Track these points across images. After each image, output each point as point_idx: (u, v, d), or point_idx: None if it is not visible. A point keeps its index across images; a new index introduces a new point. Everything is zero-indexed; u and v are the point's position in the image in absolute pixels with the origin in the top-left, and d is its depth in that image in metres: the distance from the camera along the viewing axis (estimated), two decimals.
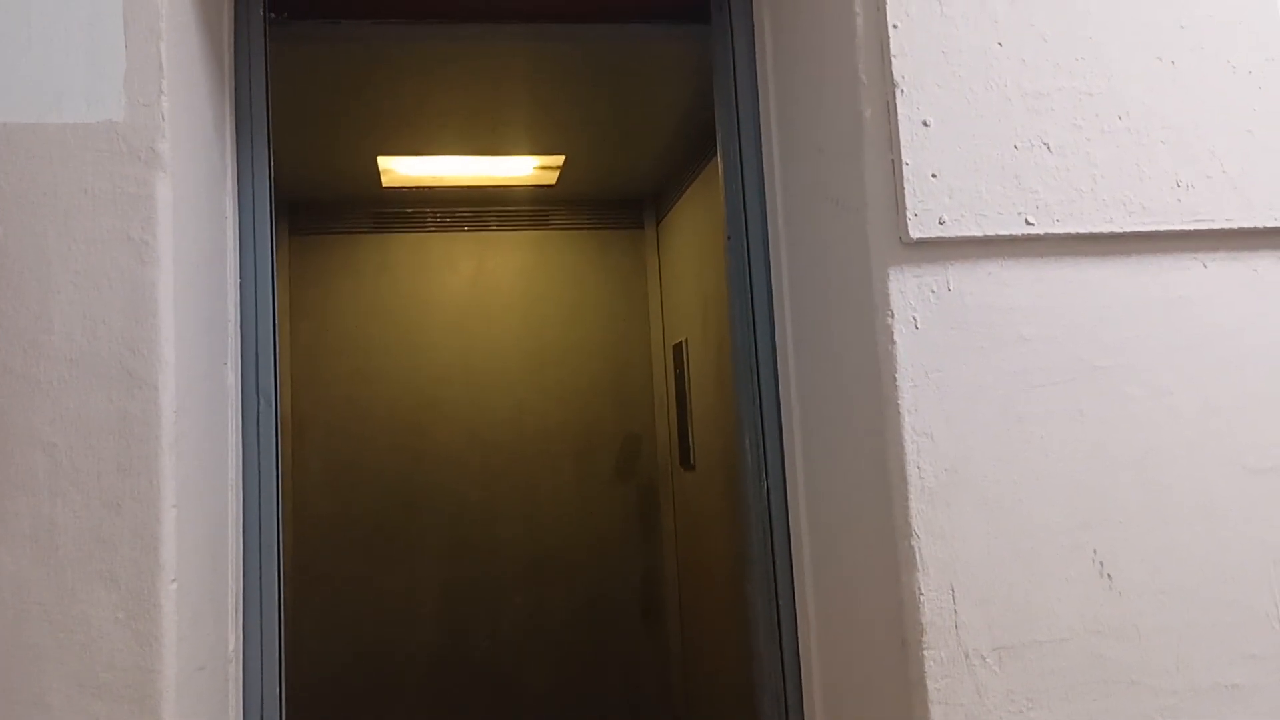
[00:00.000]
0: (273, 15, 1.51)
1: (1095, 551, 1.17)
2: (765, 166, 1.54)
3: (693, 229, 3.35)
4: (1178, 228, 1.21)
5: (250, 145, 1.45)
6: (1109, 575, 1.17)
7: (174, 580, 1.11)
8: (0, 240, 1.12)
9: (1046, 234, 1.19)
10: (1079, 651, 1.15)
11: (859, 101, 1.20)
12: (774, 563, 1.49)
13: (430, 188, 3.57)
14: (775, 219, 1.51)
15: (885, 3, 1.20)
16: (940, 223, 1.17)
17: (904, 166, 1.18)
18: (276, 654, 1.39)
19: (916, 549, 1.14)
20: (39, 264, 1.12)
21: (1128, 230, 1.20)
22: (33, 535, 1.10)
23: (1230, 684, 1.18)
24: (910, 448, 1.15)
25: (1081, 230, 1.19)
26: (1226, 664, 1.18)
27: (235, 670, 1.35)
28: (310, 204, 3.68)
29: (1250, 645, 1.18)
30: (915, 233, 1.16)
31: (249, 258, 1.43)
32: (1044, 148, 1.20)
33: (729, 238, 1.57)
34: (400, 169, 3.30)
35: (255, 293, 1.43)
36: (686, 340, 3.48)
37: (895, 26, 1.20)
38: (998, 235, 1.18)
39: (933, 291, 1.18)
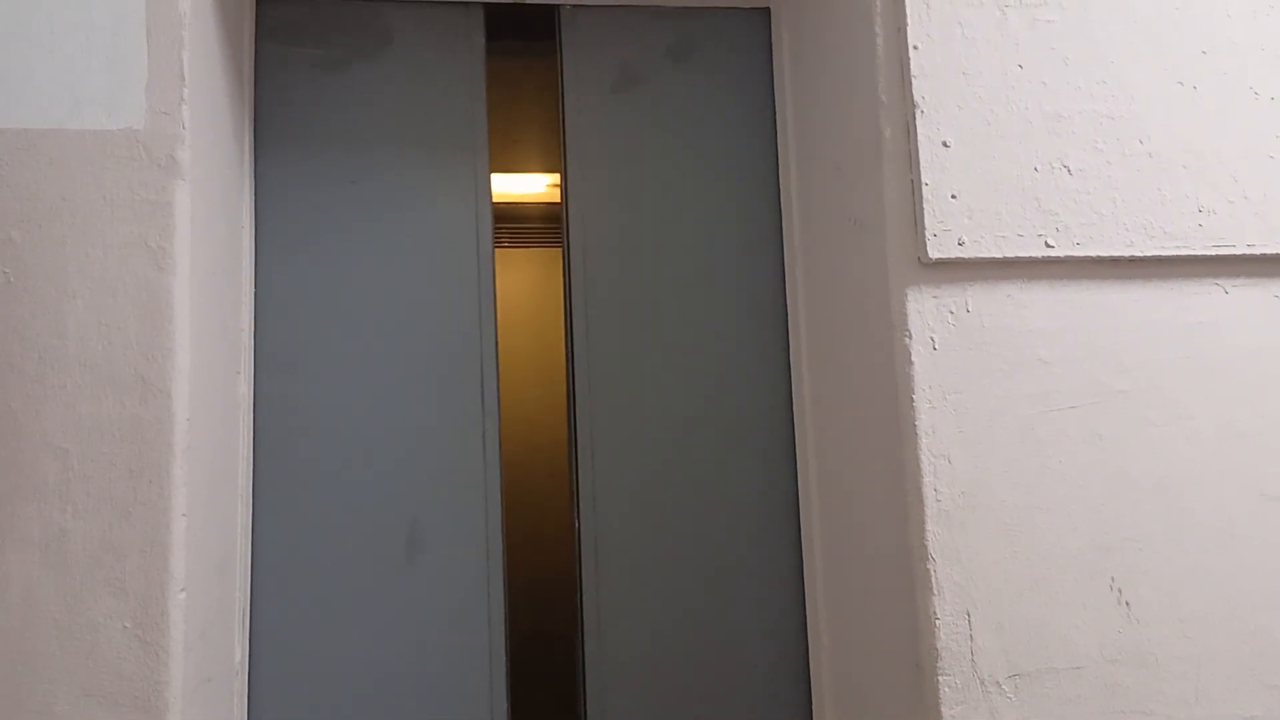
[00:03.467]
0: None
1: (1113, 578, 1.15)
2: (782, 184, 1.53)
3: None
4: (1199, 252, 1.20)
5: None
6: (1127, 602, 1.15)
7: (183, 590, 1.10)
8: (18, 245, 1.12)
9: (1066, 256, 1.18)
10: (1096, 680, 1.14)
11: (879, 121, 1.20)
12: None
13: None
14: (792, 237, 1.50)
15: (906, 24, 1.20)
16: (959, 244, 1.17)
17: (924, 187, 1.17)
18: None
19: (932, 572, 1.12)
20: (56, 269, 1.12)
21: (1149, 254, 1.19)
22: (42, 541, 1.09)
23: (1249, 716, 1.16)
24: (927, 469, 1.14)
25: (1102, 254, 1.19)
26: (1245, 694, 1.16)
27: (241, 684, 1.34)
28: None
29: (1270, 676, 1.17)
30: (934, 253, 1.16)
31: (475, 270, 1.46)
32: (1064, 170, 1.20)
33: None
34: None
35: (479, 306, 1.46)
36: None
37: (916, 47, 1.20)
38: (1017, 257, 1.18)
39: (951, 312, 1.17)
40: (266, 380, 1.41)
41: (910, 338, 1.16)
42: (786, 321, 1.52)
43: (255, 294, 1.42)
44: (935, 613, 1.12)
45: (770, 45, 1.58)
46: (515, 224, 3.86)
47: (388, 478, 1.42)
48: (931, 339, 1.16)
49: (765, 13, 1.59)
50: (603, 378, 1.48)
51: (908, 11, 1.20)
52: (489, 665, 1.43)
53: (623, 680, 1.43)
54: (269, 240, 1.44)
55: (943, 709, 1.11)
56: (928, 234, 1.16)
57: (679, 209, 1.53)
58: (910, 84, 1.19)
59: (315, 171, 1.46)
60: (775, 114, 1.56)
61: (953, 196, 1.17)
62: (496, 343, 1.47)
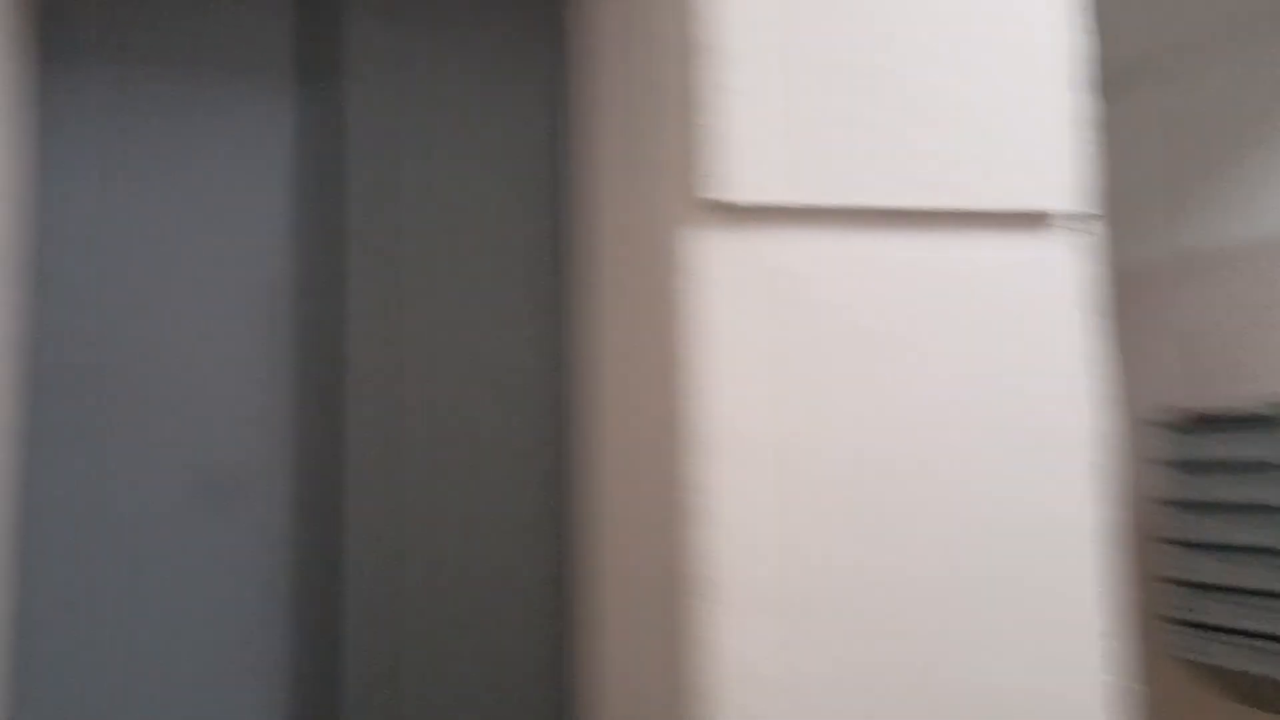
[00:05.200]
0: None
1: (873, 511, 1.21)
2: (559, 128, 1.53)
3: None
4: (970, 207, 1.25)
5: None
6: (883, 534, 1.21)
7: None
8: None
9: (843, 206, 1.21)
10: (859, 608, 1.19)
11: (665, 63, 1.21)
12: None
13: None
14: (570, 182, 1.50)
15: None
16: (740, 187, 1.19)
17: (707, 131, 1.19)
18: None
19: (697, 504, 1.16)
20: None
21: (922, 207, 1.23)
22: None
23: (1014, 640, 1.23)
24: (696, 406, 1.17)
25: (878, 204, 1.22)
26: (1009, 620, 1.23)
27: None
28: None
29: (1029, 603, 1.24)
30: (715, 196, 1.18)
31: (319, 201, 1.40)
32: (847, 120, 1.22)
33: None
34: None
35: (311, 238, 1.39)
36: None
37: None
38: (796, 204, 1.20)
39: (731, 255, 1.19)
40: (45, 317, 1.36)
41: (687, 278, 1.18)
42: (560, 266, 1.52)
43: (39, 221, 1.37)
44: (700, 543, 1.16)
45: None
46: None
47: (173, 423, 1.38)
48: (710, 280, 1.19)
49: None
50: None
51: None
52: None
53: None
54: (58, 166, 1.38)
55: (705, 635, 1.15)
56: (709, 178, 1.18)
57: (431, 155, 1.51)
58: (696, 26, 1.20)
59: (113, 95, 1.40)
60: (560, 56, 1.55)
61: (735, 141, 1.19)
62: (342, 278, 1.43)
